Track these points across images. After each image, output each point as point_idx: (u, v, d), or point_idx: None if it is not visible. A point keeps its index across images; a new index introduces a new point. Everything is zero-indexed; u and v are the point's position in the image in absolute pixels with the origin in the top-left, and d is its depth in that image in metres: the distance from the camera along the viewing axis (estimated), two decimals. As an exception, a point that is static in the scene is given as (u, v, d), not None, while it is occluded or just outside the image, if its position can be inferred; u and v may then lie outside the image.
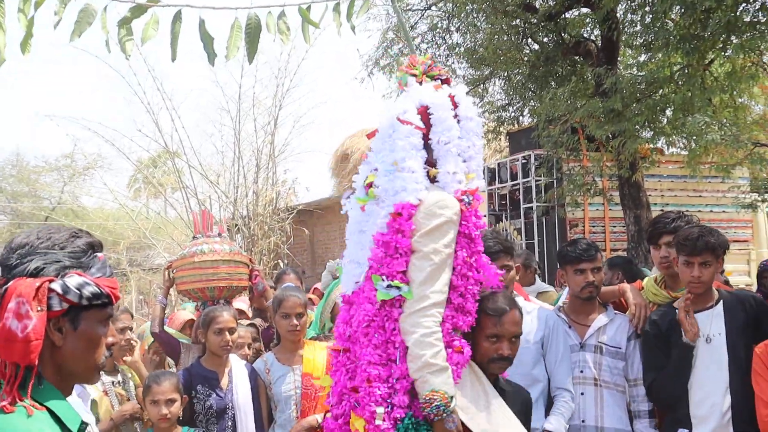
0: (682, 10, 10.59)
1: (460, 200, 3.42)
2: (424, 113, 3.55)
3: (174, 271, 6.52)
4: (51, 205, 27.79)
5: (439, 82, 3.67)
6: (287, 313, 5.22)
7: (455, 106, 3.58)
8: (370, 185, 3.61)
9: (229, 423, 5.06)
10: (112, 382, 5.37)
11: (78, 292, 2.02)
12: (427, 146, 3.53)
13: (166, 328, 6.32)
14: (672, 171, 13.92)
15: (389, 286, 3.32)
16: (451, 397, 3.20)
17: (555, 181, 13.24)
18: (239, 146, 18.22)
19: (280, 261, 17.86)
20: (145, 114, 17.22)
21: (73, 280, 2.02)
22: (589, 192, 12.28)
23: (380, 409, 3.29)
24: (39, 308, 1.96)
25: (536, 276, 7.27)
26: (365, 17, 15.12)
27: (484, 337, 3.51)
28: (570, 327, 4.78)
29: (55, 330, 2.02)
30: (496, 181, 14.73)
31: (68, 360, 2.06)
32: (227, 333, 5.17)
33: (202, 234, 6.74)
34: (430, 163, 3.54)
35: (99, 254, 2.14)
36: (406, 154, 3.47)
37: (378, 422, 3.28)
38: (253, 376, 5.23)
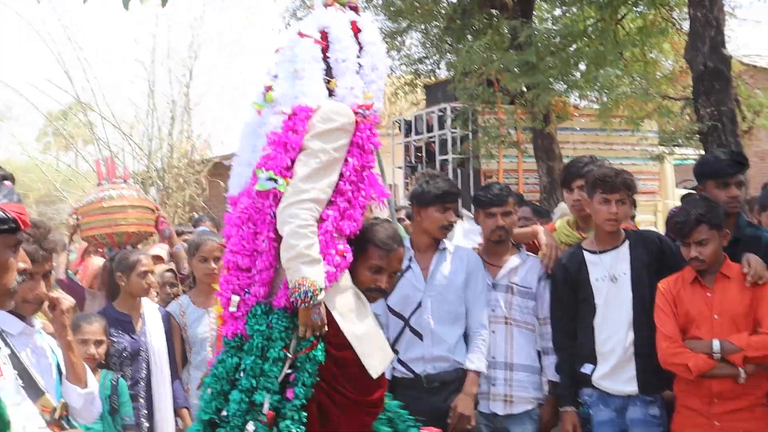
0: (595, -36, 10.77)
1: (356, 113, 3.52)
2: (324, 35, 3.68)
3: (80, 216, 6.47)
4: (-44, 157, 26.95)
5: (347, 8, 3.78)
6: (205, 257, 5.25)
7: (358, 31, 3.71)
8: (268, 89, 3.75)
9: (143, 365, 5.09)
10: None
11: None
12: (327, 64, 3.65)
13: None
14: (584, 124, 14.18)
15: (269, 179, 3.43)
16: (321, 289, 3.26)
17: (470, 134, 13.37)
18: (153, 98, 17.91)
19: (195, 213, 17.70)
20: (56, 64, 16.65)
21: None
22: (504, 144, 12.47)
23: (235, 297, 3.48)
24: None
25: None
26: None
27: (367, 266, 3.58)
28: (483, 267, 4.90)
29: None
30: (413, 133, 14.83)
31: None
32: (150, 275, 5.19)
33: (107, 181, 6.68)
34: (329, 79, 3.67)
35: (6, 182, 2.14)
36: (306, 64, 3.60)
37: (232, 309, 3.47)
38: (166, 319, 5.25)
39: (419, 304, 4.65)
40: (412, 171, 14.83)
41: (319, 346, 3.33)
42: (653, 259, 4.53)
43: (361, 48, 3.69)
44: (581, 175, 4.80)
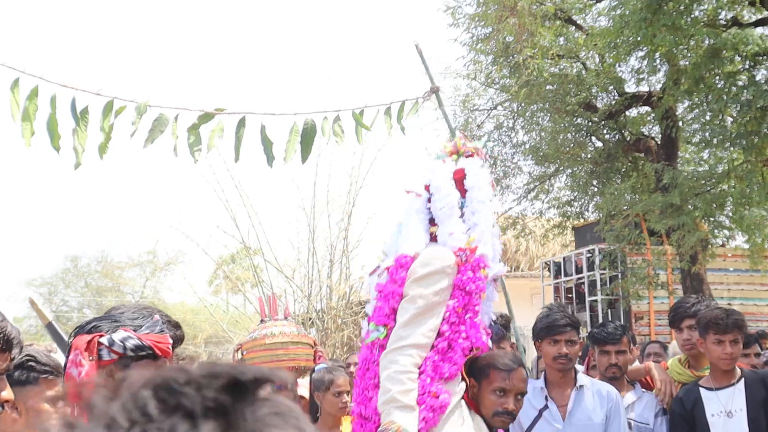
0: (738, 108, 10.92)
1: (457, 255, 3.66)
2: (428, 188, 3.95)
3: (244, 352, 7.01)
4: (134, 299, 28.74)
5: (462, 157, 4.06)
6: (339, 392, 5.59)
7: (464, 177, 3.92)
8: None
9: None
10: None
11: (122, 344, 2.50)
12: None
13: None
14: (738, 265, 14.01)
15: (373, 329, 3.64)
16: None
17: (619, 274, 13.47)
18: (314, 242, 18.77)
19: (353, 353, 18.15)
20: (225, 211, 17.81)
21: (118, 334, 2.51)
22: (652, 285, 12.48)
23: None
24: (90, 358, 2.47)
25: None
26: (434, 117, 15.78)
27: (491, 390, 3.69)
28: (600, 404, 5.06)
29: (108, 376, 2.48)
30: (562, 275, 15.02)
31: None
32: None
33: (270, 317, 7.23)
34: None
35: (155, 316, 2.61)
36: (407, 217, 3.88)
37: None
38: None
39: None
40: (563, 312, 14.94)
41: None
42: (770, 397, 4.60)
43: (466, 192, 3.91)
44: (690, 315, 4.96)
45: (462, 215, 3.84)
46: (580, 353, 5.19)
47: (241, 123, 5.16)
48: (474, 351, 3.75)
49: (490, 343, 3.98)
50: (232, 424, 0.80)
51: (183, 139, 5.07)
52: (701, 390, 4.74)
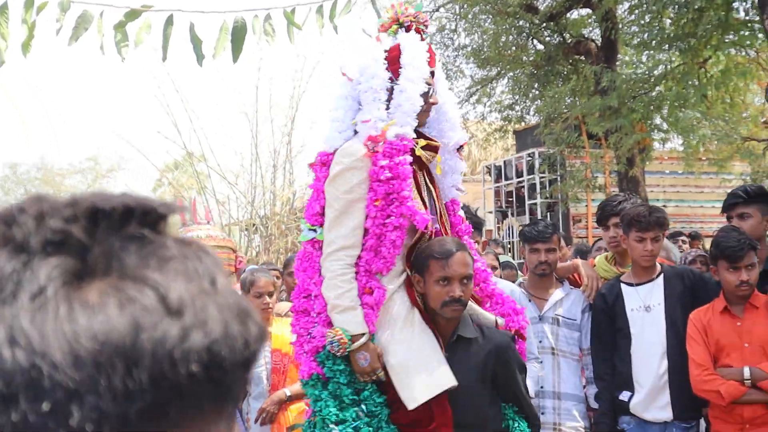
0: (676, 9, 10.96)
1: (365, 146, 3.46)
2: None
3: None
4: (75, 207, 28.40)
5: (403, 29, 3.67)
6: (260, 293, 5.56)
7: (399, 54, 3.60)
8: None
9: None
10: None
11: None
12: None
13: None
14: (674, 167, 14.25)
15: (309, 229, 3.56)
16: (350, 337, 3.37)
17: (558, 178, 13.63)
18: (257, 147, 18.61)
19: (297, 259, 18.18)
20: (166, 117, 17.52)
21: None
22: (590, 187, 12.66)
23: (293, 337, 3.67)
24: None
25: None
26: (375, 20, 15.55)
27: (433, 281, 3.55)
28: (530, 301, 5.16)
29: None
30: (503, 179, 15.16)
31: None
32: None
33: (192, 222, 7.19)
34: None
35: None
36: (335, 104, 3.66)
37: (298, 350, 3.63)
38: None
39: None
40: (503, 216, 15.13)
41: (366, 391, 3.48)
42: (687, 292, 4.73)
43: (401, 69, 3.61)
44: (616, 213, 5.04)
45: (390, 98, 3.58)
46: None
47: (169, 21, 5.02)
48: (428, 234, 3.64)
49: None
50: (89, 265, 0.64)
51: (110, 37, 4.95)
52: (622, 285, 4.86)
